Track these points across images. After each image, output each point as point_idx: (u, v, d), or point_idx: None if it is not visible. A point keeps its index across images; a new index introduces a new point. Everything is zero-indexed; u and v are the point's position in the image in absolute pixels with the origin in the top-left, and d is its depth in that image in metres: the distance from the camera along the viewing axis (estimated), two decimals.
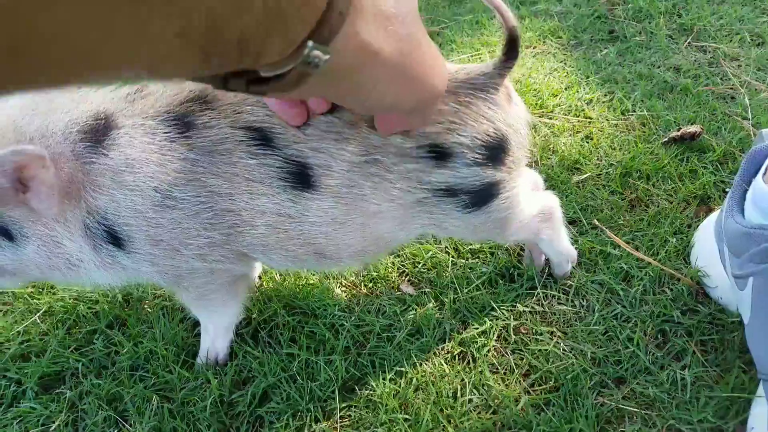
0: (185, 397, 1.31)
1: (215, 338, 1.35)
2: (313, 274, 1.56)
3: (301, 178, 1.06)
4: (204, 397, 1.30)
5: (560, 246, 1.38)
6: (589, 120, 1.98)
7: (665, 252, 1.46)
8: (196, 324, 1.47)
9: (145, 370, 1.38)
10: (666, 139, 1.79)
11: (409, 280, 1.53)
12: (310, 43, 0.56)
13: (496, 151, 1.10)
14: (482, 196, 1.13)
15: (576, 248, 1.48)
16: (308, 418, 1.24)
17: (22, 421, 1.31)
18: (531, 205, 1.29)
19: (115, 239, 1.07)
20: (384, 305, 1.46)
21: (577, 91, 2.12)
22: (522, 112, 1.17)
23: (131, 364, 1.39)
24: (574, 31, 2.54)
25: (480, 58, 2.44)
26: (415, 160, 1.07)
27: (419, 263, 1.55)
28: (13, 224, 1.04)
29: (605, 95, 2.10)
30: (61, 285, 1.48)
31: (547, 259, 1.46)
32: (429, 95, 0.84)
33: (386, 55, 0.69)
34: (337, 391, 1.28)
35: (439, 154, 1.07)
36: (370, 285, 1.54)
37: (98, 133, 1.03)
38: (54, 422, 1.30)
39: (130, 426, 1.28)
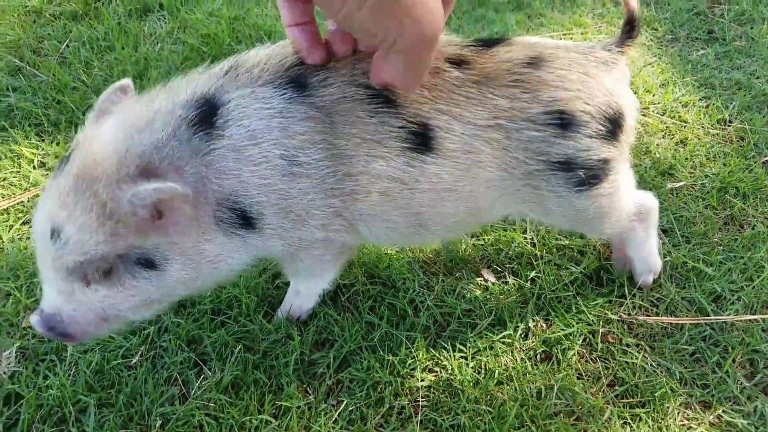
0: (267, 349, 1.31)
1: (304, 301, 1.34)
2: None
3: (422, 139, 1.04)
4: (286, 352, 1.30)
5: (648, 253, 1.36)
6: (684, 124, 1.92)
7: (760, 279, 1.43)
8: (276, 275, 1.47)
9: (227, 316, 1.38)
10: (766, 159, 1.73)
11: (489, 267, 1.52)
12: None
13: (614, 126, 1.12)
14: (595, 173, 1.14)
15: (668, 261, 1.46)
16: (388, 391, 1.25)
17: (103, 349, 1.32)
18: (630, 200, 1.28)
19: (245, 220, 1.05)
20: (465, 289, 1.45)
21: (673, 91, 2.04)
22: (632, 95, 1.18)
23: (212, 308, 1.39)
24: (671, 25, 2.44)
25: (572, 38, 2.35)
26: (540, 128, 1.07)
27: (502, 251, 1.53)
28: (155, 251, 1.00)
29: (701, 100, 2.02)
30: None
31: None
32: (413, 33, 0.78)
33: None
34: (418, 370, 1.28)
35: (565, 122, 1.08)
36: (449, 265, 1.52)
37: (206, 117, 0.98)
38: (134, 355, 1.32)
39: (210, 371, 1.29)
